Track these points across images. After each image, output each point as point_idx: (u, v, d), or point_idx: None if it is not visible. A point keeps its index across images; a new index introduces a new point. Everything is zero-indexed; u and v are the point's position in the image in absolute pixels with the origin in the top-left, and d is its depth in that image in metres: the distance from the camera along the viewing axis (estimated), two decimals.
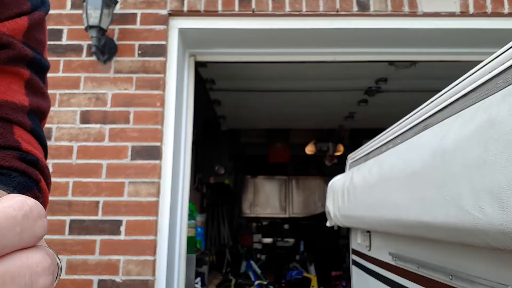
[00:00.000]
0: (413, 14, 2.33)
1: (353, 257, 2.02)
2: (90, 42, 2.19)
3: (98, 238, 2.05)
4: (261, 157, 6.70)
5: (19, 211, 0.23)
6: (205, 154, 5.10)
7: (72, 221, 2.07)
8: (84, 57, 2.24)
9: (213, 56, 2.68)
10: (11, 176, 0.47)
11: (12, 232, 0.22)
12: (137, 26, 2.28)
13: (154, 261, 2.05)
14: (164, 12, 2.30)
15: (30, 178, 0.50)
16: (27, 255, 0.22)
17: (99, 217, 2.07)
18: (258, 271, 5.06)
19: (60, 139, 2.16)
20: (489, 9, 2.31)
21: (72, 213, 2.08)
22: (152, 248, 2.05)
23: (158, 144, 2.15)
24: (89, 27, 2.08)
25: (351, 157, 2.07)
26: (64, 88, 2.20)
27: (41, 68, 0.55)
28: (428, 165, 0.88)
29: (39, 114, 0.53)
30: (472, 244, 0.74)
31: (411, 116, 1.23)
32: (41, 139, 0.54)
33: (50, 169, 2.00)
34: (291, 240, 6.39)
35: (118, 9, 2.27)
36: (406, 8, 2.32)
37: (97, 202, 2.09)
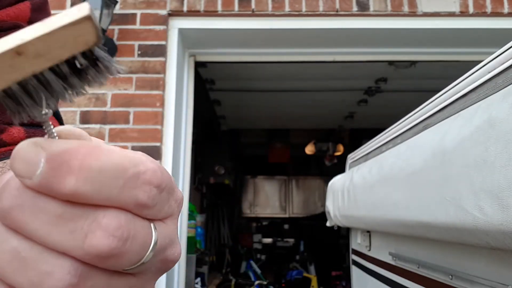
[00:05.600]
0: (412, 14, 2.33)
1: (353, 257, 2.02)
2: None
3: None
4: (261, 157, 6.70)
5: (134, 167, 0.20)
6: (205, 154, 5.10)
7: None
8: None
9: (213, 56, 2.68)
10: None
11: (109, 183, 0.19)
12: (137, 26, 2.28)
13: None
14: (163, 12, 2.30)
15: None
16: (102, 212, 0.20)
17: None
18: (258, 271, 5.05)
19: None
20: (488, 9, 2.31)
21: None
22: None
23: (158, 144, 2.15)
24: None
25: (351, 157, 2.07)
26: None
27: None
28: (428, 165, 0.88)
29: None
30: (472, 244, 0.74)
31: (411, 116, 1.23)
32: (60, 119, 0.54)
33: None
34: (291, 240, 6.38)
35: (117, 9, 2.27)
36: (405, 8, 2.32)
37: None
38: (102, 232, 0.19)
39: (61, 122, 0.53)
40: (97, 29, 0.18)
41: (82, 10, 0.18)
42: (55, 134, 0.21)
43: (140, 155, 0.21)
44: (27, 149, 0.19)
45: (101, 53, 0.19)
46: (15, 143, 0.46)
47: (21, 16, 0.49)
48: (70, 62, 0.19)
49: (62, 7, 2.29)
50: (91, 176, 0.19)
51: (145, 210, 0.21)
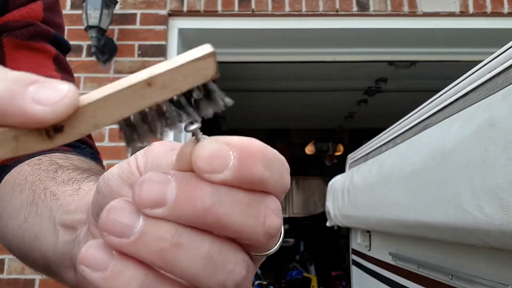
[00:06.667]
0: (412, 14, 2.33)
1: (353, 257, 2.02)
2: (89, 42, 2.18)
3: None
4: None
5: (282, 157, 0.23)
6: None
7: None
8: (84, 57, 2.24)
9: None
10: (81, 147, 0.49)
11: (276, 169, 0.21)
12: (137, 26, 2.28)
13: None
14: (163, 12, 2.30)
15: (94, 150, 0.52)
16: (269, 196, 0.22)
17: None
18: (258, 271, 5.05)
19: None
20: (488, 9, 2.31)
21: None
22: None
23: None
24: (89, 27, 2.08)
25: (351, 157, 2.07)
26: None
27: (64, 48, 0.55)
28: (428, 165, 0.88)
29: None
30: (472, 244, 0.74)
31: (411, 116, 1.23)
32: None
33: None
34: (291, 240, 6.38)
35: (117, 9, 2.27)
36: (405, 8, 2.32)
37: None
38: (273, 214, 0.21)
39: (66, 49, 0.55)
40: (217, 64, 0.20)
41: (205, 48, 0.20)
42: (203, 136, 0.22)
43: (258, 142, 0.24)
44: (214, 145, 0.20)
45: (214, 86, 0.21)
46: None
47: (34, 16, 0.50)
48: (186, 93, 0.20)
49: (62, 7, 2.29)
50: (269, 163, 0.21)
51: (283, 196, 0.23)
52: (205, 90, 0.21)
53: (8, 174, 0.45)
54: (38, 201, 0.36)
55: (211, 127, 5.23)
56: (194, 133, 0.21)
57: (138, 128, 0.20)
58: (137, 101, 0.19)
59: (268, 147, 0.22)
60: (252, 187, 0.21)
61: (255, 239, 0.21)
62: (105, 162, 2.20)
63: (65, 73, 0.53)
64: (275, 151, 0.22)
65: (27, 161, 0.44)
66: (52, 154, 0.44)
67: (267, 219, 0.21)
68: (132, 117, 0.20)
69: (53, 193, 0.36)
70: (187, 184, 0.19)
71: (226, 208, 0.20)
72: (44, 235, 0.34)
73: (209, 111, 0.21)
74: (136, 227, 0.19)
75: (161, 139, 0.21)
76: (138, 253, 0.19)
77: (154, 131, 0.20)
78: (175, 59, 0.20)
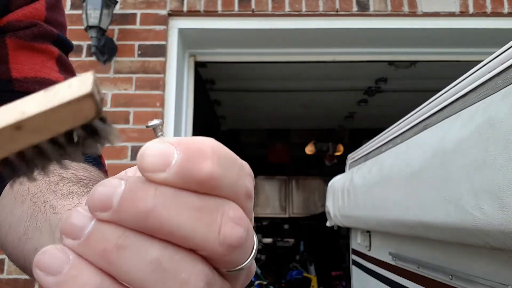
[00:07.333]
0: (412, 14, 2.33)
1: (353, 257, 2.02)
2: (89, 42, 2.18)
3: None
4: (261, 157, 6.70)
5: (238, 158, 0.21)
6: None
7: None
8: (83, 57, 2.24)
9: (213, 56, 2.68)
10: None
11: (231, 170, 0.20)
12: (137, 26, 2.28)
13: None
14: (163, 12, 2.30)
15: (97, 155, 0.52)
16: (227, 202, 0.20)
17: None
18: (258, 271, 5.05)
19: None
20: (488, 9, 2.31)
21: None
22: None
23: None
24: (89, 27, 2.08)
25: (351, 157, 2.07)
26: None
27: (67, 48, 0.55)
28: (428, 165, 0.88)
29: None
30: (472, 244, 0.74)
31: (411, 116, 1.23)
32: None
33: None
34: (291, 240, 6.37)
35: (117, 9, 2.27)
36: (405, 8, 2.32)
37: None
38: (232, 223, 0.20)
39: (69, 49, 0.55)
40: (98, 104, 0.18)
41: (85, 84, 0.18)
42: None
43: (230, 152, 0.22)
44: (158, 144, 0.19)
45: (99, 124, 0.19)
46: None
47: (37, 15, 0.50)
48: (67, 133, 0.19)
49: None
50: (222, 161, 0.20)
51: (249, 201, 0.22)
52: (89, 129, 0.19)
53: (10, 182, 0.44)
54: (38, 214, 0.36)
55: (211, 127, 5.22)
56: (154, 130, 0.20)
57: (17, 168, 0.19)
58: (7, 144, 0.18)
59: (223, 147, 0.20)
60: (202, 189, 0.19)
61: (210, 250, 0.19)
62: (105, 162, 2.18)
63: (67, 73, 0.53)
64: (232, 153, 0.21)
65: None
66: None
67: (223, 227, 0.19)
68: (9, 158, 0.19)
69: (53, 207, 0.35)
70: (134, 187, 0.19)
71: (171, 212, 0.18)
72: None
73: (96, 149, 0.20)
74: (86, 229, 0.19)
75: (47, 174, 0.20)
76: (86, 254, 0.19)
77: (34, 171, 0.20)
78: (50, 95, 0.18)
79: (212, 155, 0.19)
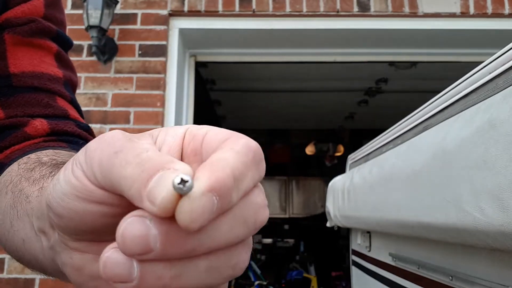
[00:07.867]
0: (413, 14, 2.33)
1: (353, 257, 2.02)
2: (90, 42, 2.19)
3: None
4: None
5: (247, 156, 0.23)
6: None
7: None
8: (84, 57, 2.24)
9: (214, 56, 2.68)
10: (79, 143, 0.48)
11: (246, 178, 0.22)
12: (138, 26, 2.28)
13: None
14: (164, 12, 2.30)
15: None
16: (253, 193, 0.23)
17: None
18: (258, 271, 5.05)
19: None
20: (489, 10, 2.31)
21: None
22: None
23: None
24: (90, 27, 2.08)
25: (351, 157, 2.07)
26: None
27: (66, 45, 0.54)
28: (429, 166, 0.88)
29: (72, 86, 0.53)
30: (473, 244, 0.74)
31: (411, 116, 1.23)
32: (80, 111, 0.54)
33: None
34: (291, 241, 6.37)
35: (118, 9, 2.27)
36: (406, 9, 2.32)
37: None
38: (262, 209, 0.24)
39: (78, 110, 0.53)
40: None
41: None
42: None
43: (241, 140, 0.26)
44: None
45: None
46: (39, 135, 0.46)
47: (36, 12, 0.49)
48: None
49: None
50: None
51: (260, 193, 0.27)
52: None
53: (2, 174, 0.43)
54: (17, 204, 0.35)
55: None
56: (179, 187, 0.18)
57: None
58: None
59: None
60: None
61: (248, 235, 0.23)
62: None
63: (66, 69, 0.52)
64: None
65: (18, 160, 0.42)
66: (44, 150, 0.42)
67: (259, 217, 0.24)
68: None
69: (26, 195, 0.34)
70: (168, 228, 0.19)
71: (218, 239, 0.20)
72: (30, 240, 0.32)
73: None
74: (133, 273, 0.19)
75: None
76: None
77: None
78: None
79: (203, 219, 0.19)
